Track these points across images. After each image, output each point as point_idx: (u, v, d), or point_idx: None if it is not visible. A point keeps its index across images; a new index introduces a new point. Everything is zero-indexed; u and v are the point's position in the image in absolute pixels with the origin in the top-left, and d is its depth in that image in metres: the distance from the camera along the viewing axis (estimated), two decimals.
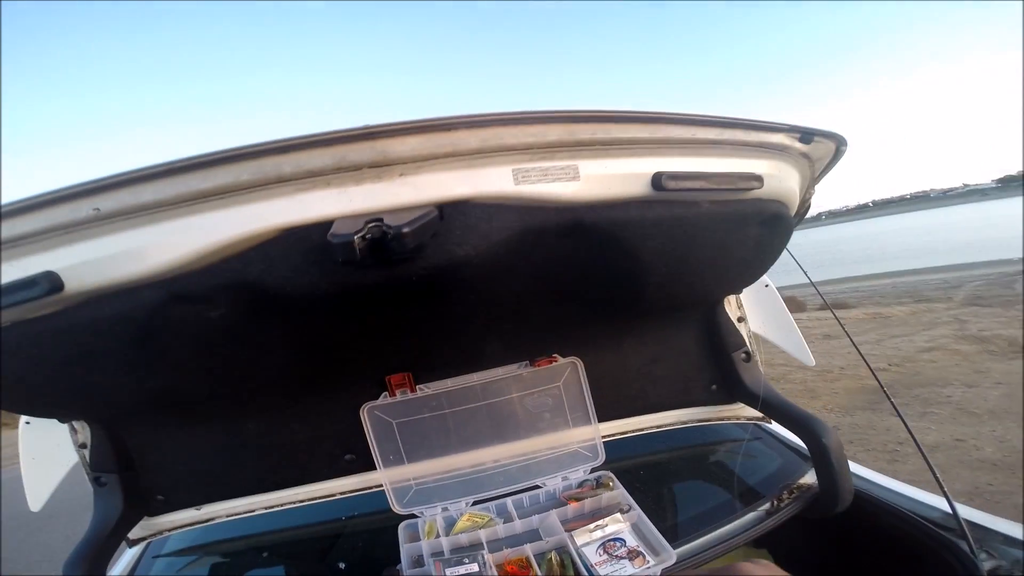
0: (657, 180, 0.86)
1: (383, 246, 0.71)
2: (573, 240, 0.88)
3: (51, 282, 0.75)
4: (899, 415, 1.14)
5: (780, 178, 0.98)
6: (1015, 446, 4.19)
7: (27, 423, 1.33)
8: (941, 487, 1.04)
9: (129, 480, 1.24)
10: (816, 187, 1.09)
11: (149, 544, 1.45)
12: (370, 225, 0.71)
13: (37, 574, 4.70)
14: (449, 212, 0.79)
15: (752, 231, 1.02)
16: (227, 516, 1.34)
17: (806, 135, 0.94)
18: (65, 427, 1.25)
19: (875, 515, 1.22)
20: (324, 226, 0.74)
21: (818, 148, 0.98)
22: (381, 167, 0.75)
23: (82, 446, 1.25)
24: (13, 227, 0.73)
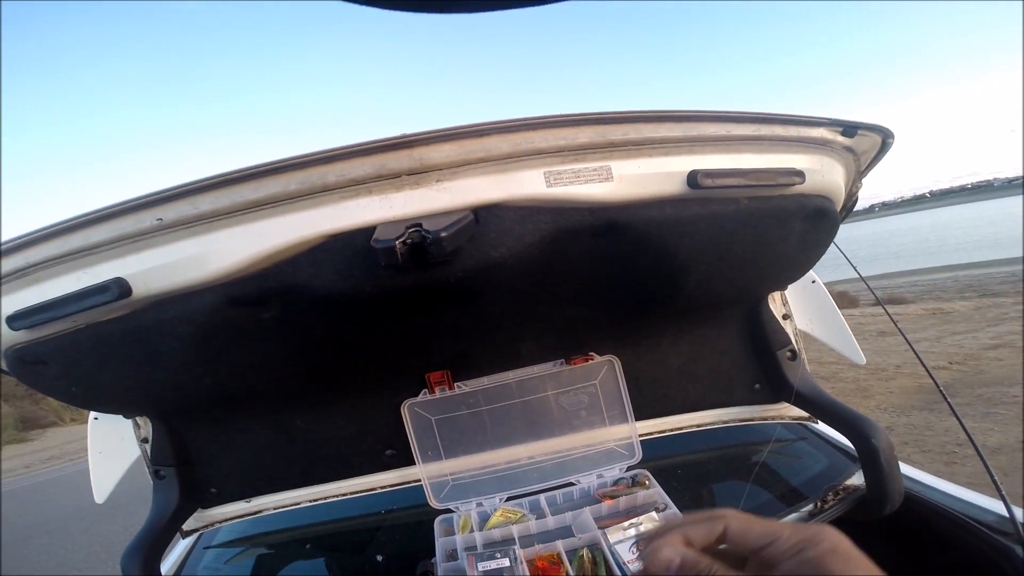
0: (693, 178, 0.86)
1: (423, 250, 0.73)
2: (608, 240, 0.88)
3: (121, 287, 0.81)
4: (953, 411, 1.09)
5: (823, 172, 0.96)
6: None
7: (95, 419, 1.42)
8: (997, 488, 0.99)
9: (186, 473, 1.31)
10: (863, 180, 1.05)
11: (200, 536, 1.53)
12: (410, 230, 0.74)
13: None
14: (484, 216, 0.81)
15: (795, 227, 1.00)
16: (274, 508, 1.40)
17: (849, 129, 0.92)
18: (129, 423, 1.33)
19: (925, 518, 1.17)
20: (367, 231, 0.77)
21: (862, 142, 0.96)
22: (419, 174, 0.78)
23: (144, 441, 1.32)
24: (87, 237, 0.79)
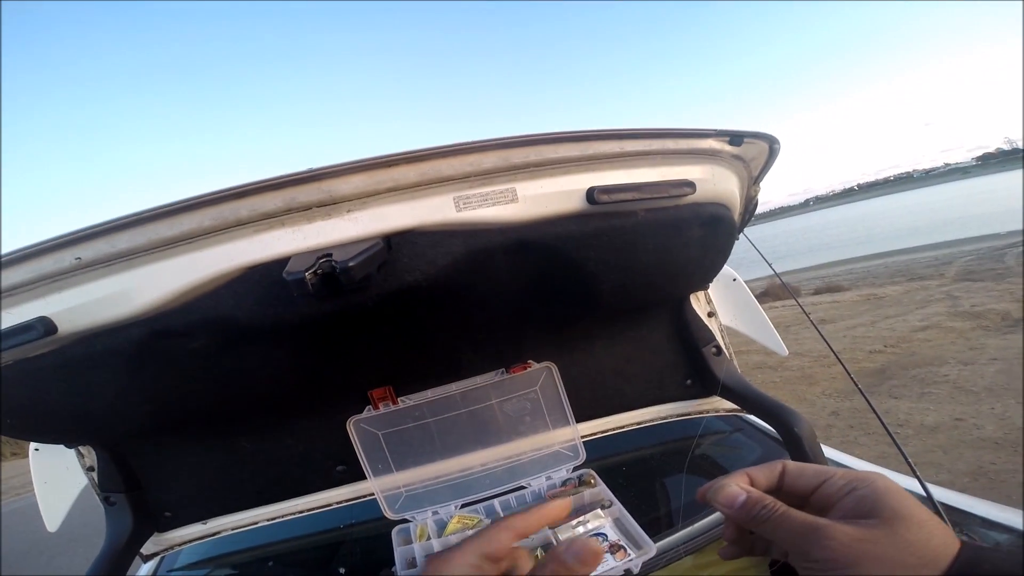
0: (591, 195, 0.91)
1: (333, 279, 0.75)
2: (519, 257, 0.93)
3: (45, 326, 0.81)
4: (864, 397, 1.16)
5: (715, 181, 1.02)
6: (1016, 423, 4.21)
7: (36, 450, 1.41)
8: (912, 468, 1.05)
9: (137, 499, 1.30)
10: (760, 185, 1.12)
11: (163, 558, 1.52)
12: (320, 261, 0.76)
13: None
14: (396, 242, 0.84)
15: (694, 234, 1.06)
16: (232, 529, 1.40)
17: (735, 138, 0.98)
18: (72, 452, 1.31)
19: None
20: (283, 262, 0.80)
21: (750, 149, 1.02)
22: (329, 205, 0.81)
23: (90, 469, 1.30)
24: (7, 278, 0.80)
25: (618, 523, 1.17)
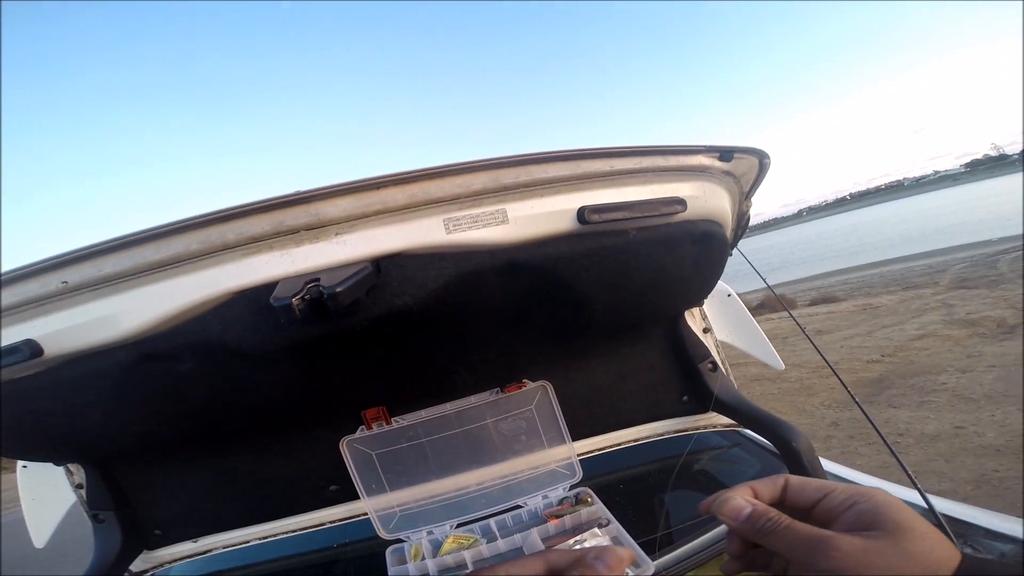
0: (581, 214, 0.90)
1: (321, 305, 0.75)
2: (511, 278, 0.92)
3: (32, 348, 0.81)
4: (861, 409, 1.15)
5: (706, 198, 1.02)
6: (1016, 430, 4.19)
7: (24, 467, 1.39)
8: (912, 480, 1.03)
9: (126, 516, 1.28)
10: (752, 200, 1.12)
11: None
12: (308, 286, 0.76)
13: None
14: (386, 266, 0.84)
15: (686, 251, 1.06)
16: (223, 547, 1.39)
17: (725, 154, 0.98)
18: (61, 469, 1.30)
19: None
20: (271, 286, 0.79)
21: (740, 164, 1.02)
22: (317, 228, 0.80)
23: (79, 486, 1.29)
24: None
25: (616, 541, 1.16)
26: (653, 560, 1.08)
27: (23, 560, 6.17)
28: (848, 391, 1.18)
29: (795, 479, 0.55)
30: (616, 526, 1.18)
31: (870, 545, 0.45)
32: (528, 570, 0.50)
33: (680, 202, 0.97)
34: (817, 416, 5.60)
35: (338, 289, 0.73)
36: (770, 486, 0.55)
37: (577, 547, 1.13)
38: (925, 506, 1.01)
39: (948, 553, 0.45)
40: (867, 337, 8.21)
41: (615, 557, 0.47)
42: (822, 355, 1.17)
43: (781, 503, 0.55)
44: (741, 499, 0.54)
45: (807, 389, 6.51)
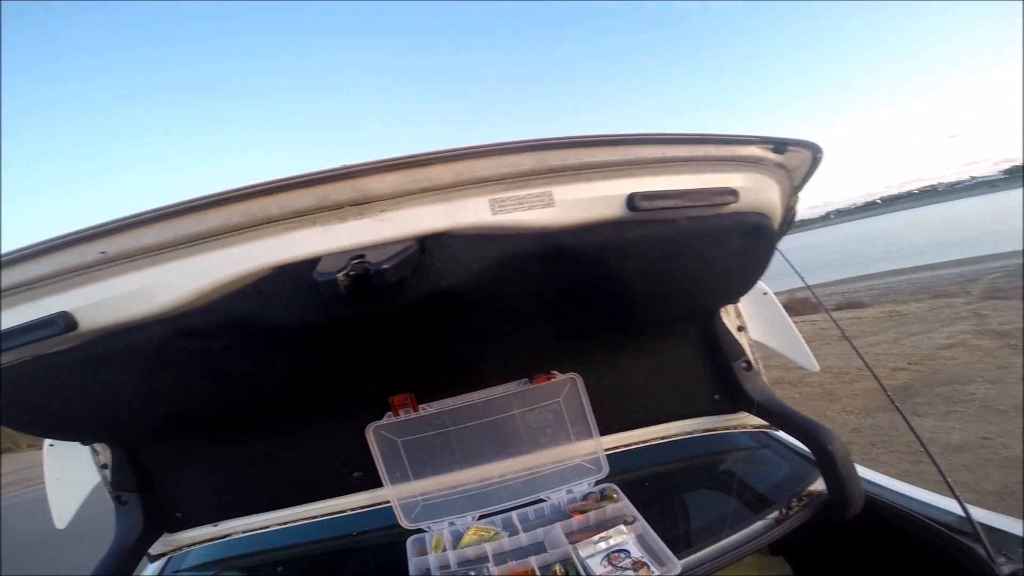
0: (631, 201, 0.88)
1: (366, 281, 0.74)
2: (554, 264, 0.91)
3: (67, 321, 0.81)
4: (902, 415, 1.13)
5: (757, 190, 0.99)
6: None
7: (51, 445, 1.39)
8: (952, 489, 1.02)
9: (148, 498, 1.29)
10: (800, 195, 1.09)
11: (170, 559, 1.50)
12: (353, 262, 0.74)
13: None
14: (430, 245, 0.82)
15: (734, 244, 1.03)
16: (243, 532, 1.39)
17: (779, 146, 0.96)
18: (87, 449, 1.30)
19: (889, 520, 1.20)
20: (313, 262, 0.78)
21: (793, 158, 0.99)
22: (362, 204, 0.79)
23: (103, 467, 1.30)
24: (28, 271, 0.79)
25: (641, 539, 1.14)
26: (680, 559, 1.06)
27: (20, 547, 6.30)
28: (889, 396, 1.16)
29: None
30: (642, 524, 1.16)
31: None
32: None
33: (732, 192, 0.95)
34: (838, 422, 5.50)
35: (385, 266, 0.72)
36: None
37: (602, 543, 1.12)
38: (963, 515, 1.01)
39: None
40: (893, 344, 8.04)
41: None
42: (863, 359, 1.15)
43: None
44: None
45: (829, 394, 6.41)
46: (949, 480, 1.04)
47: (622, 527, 1.16)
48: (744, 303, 1.40)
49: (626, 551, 1.10)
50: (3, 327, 0.82)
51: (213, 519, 1.37)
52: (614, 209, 0.89)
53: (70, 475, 1.38)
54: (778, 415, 1.29)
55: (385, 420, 1.29)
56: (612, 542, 1.13)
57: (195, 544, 1.39)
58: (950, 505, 1.14)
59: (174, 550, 1.40)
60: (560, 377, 1.33)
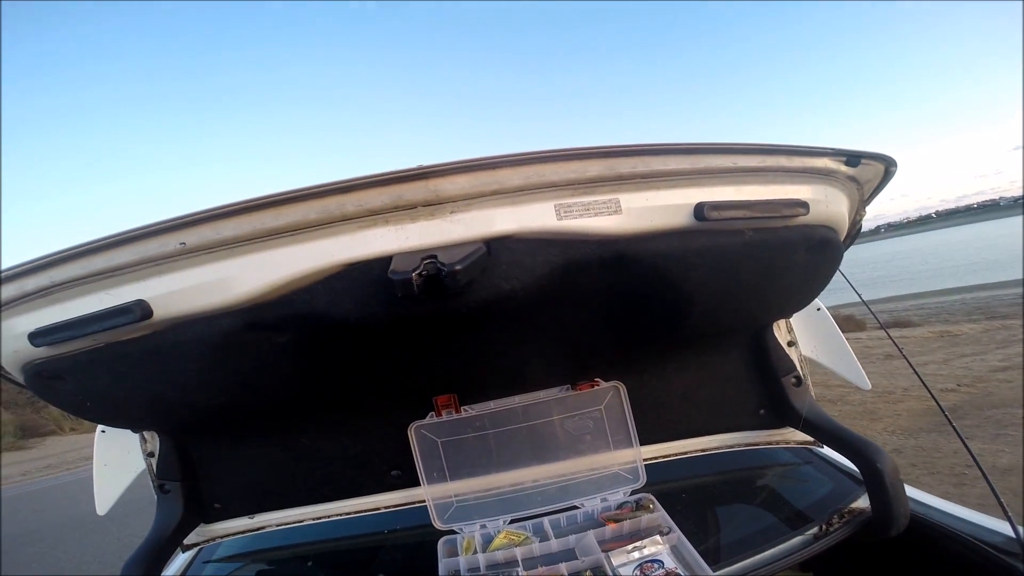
0: (699, 211, 0.87)
1: (438, 282, 0.75)
2: (616, 272, 0.90)
3: (142, 309, 0.83)
4: (955, 429, 1.09)
5: (827, 203, 0.97)
6: None
7: (103, 432, 1.43)
8: (1003, 508, 0.99)
9: (190, 488, 1.32)
10: (867, 209, 1.07)
11: (201, 550, 1.53)
12: (425, 262, 0.76)
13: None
14: (496, 247, 0.82)
15: (800, 257, 1.01)
16: (277, 525, 1.40)
17: (852, 158, 0.93)
18: (136, 437, 1.34)
19: (932, 539, 1.16)
20: (383, 261, 0.79)
21: (866, 171, 0.97)
22: (434, 205, 0.80)
23: (150, 455, 1.33)
24: (110, 259, 0.82)
25: (676, 551, 1.13)
26: (715, 571, 1.04)
27: (20, 538, 6.52)
28: (944, 412, 1.12)
29: None
30: (678, 535, 1.15)
31: None
32: None
33: (803, 204, 0.93)
34: (879, 442, 5.31)
35: (457, 267, 0.74)
36: None
37: (635, 553, 1.11)
38: (1011, 535, 0.99)
39: None
40: (943, 365, 7.75)
41: None
42: (916, 372, 1.11)
43: None
44: None
45: (870, 414, 6.23)
46: (1000, 497, 1.00)
47: (657, 538, 1.14)
48: (796, 318, 1.36)
49: (660, 561, 1.09)
50: (81, 314, 0.84)
51: (250, 511, 1.39)
52: (681, 218, 0.88)
53: (117, 462, 1.42)
54: (826, 431, 1.26)
55: (427, 420, 1.30)
56: (646, 552, 1.11)
57: (228, 535, 1.42)
58: (997, 525, 1.11)
59: (207, 540, 1.42)
60: (603, 385, 1.32)
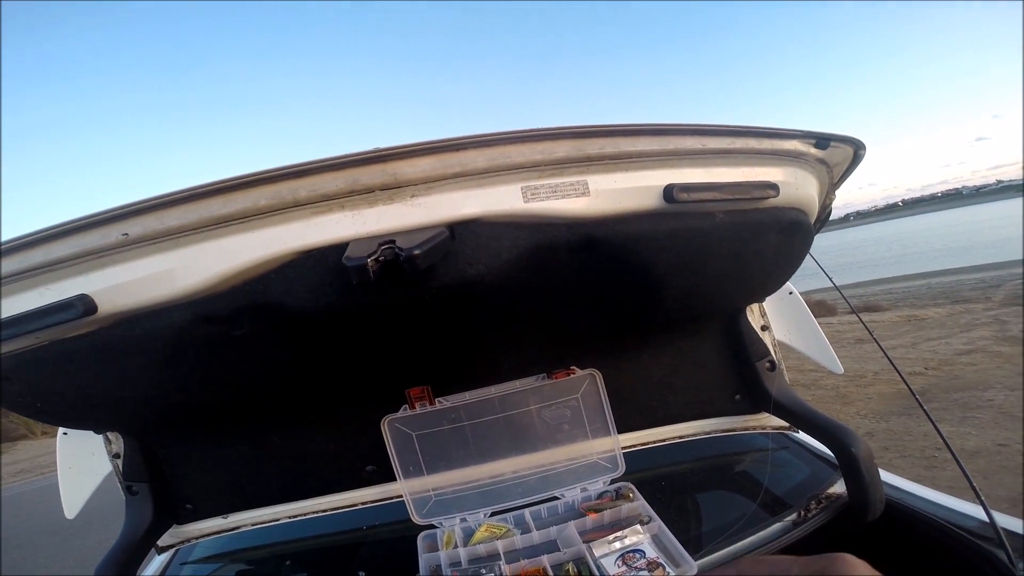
0: (669, 192, 0.86)
1: (396, 268, 0.72)
2: (586, 255, 0.88)
3: (86, 304, 0.79)
4: (928, 416, 1.10)
5: (797, 185, 0.97)
6: None
7: (64, 434, 1.39)
8: (977, 493, 0.99)
9: (159, 489, 1.28)
10: (836, 192, 1.07)
11: (177, 551, 1.50)
12: (383, 247, 0.73)
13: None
14: (460, 232, 0.80)
15: (771, 240, 1.01)
16: (252, 525, 1.38)
17: (822, 140, 0.93)
18: (100, 438, 1.30)
19: (908, 525, 1.17)
20: (340, 248, 0.76)
21: (835, 153, 0.97)
22: (392, 189, 0.77)
23: (116, 456, 1.29)
24: (48, 252, 0.77)
25: (657, 540, 1.12)
26: (696, 560, 1.04)
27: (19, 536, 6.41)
28: (917, 399, 1.13)
29: (748, 563, 0.48)
30: (658, 524, 1.14)
31: None
32: None
33: (773, 187, 0.92)
34: (852, 426, 5.44)
35: (416, 252, 0.71)
36: None
37: (616, 543, 1.11)
38: (984, 520, 0.99)
39: None
40: (910, 349, 7.96)
41: None
42: (890, 359, 1.13)
43: None
44: None
45: (843, 398, 6.38)
46: (974, 484, 1.01)
47: (638, 527, 1.14)
48: (769, 302, 1.37)
49: (641, 551, 1.09)
50: (21, 311, 0.80)
51: (223, 511, 1.36)
52: (650, 200, 0.87)
53: (82, 464, 1.38)
54: (800, 416, 1.26)
55: (401, 413, 1.27)
56: (627, 542, 1.11)
57: (203, 536, 1.39)
58: (971, 510, 1.12)
59: (182, 542, 1.39)
60: (579, 373, 1.31)
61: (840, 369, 1.42)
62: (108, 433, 1.28)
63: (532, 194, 0.82)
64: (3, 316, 0.81)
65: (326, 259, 0.78)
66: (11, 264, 0.78)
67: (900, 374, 1.13)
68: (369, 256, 0.71)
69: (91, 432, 1.29)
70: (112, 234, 0.76)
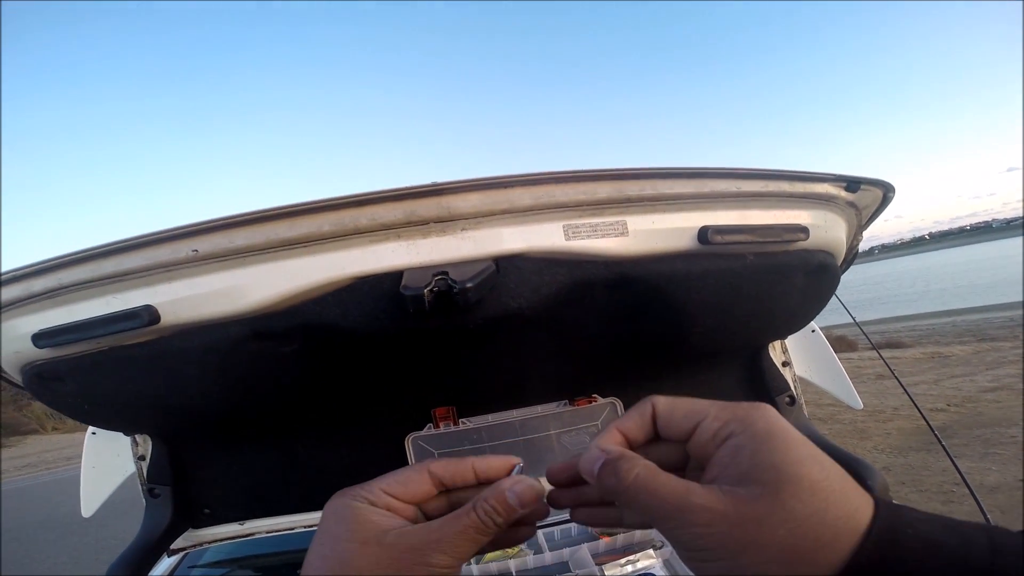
0: (703, 234, 0.88)
1: (448, 298, 0.76)
2: (620, 292, 0.91)
3: (150, 314, 0.82)
4: (943, 446, 1.11)
5: (826, 228, 0.99)
6: None
7: (93, 434, 1.43)
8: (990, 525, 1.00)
9: (180, 493, 1.30)
10: (863, 233, 1.09)
11: (187, 554, 1.50)
12: (436, 278, 0.76)
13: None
14: (504, 266, 0.83)
15: (798, 281, 1.02)
16: (268, 532, 1.39)
17: (852, 184, 0.95)
18: (126, 440, 1.33)
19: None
20: (394, 275, 0.80)
21: (865, 196, 0.99)
22: (446, 222, 0.81)
23: (141, 458, 1.32)
24: (120, 263, 0.81)
25: (668, 564, 1.14)
26: None
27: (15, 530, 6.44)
28: (931, 429, 1.14)
29: (663, 404, 0.44)
30: (671, 549, 1.16)
31: (745, 511, 0.35)
32: (412, 483, 0.49)
33: (803, 230, 0.94)
34: (869, 459, 5.36)
35: (468, 284, 0.75)
36: (637, 420, 0.45)
37: (629, 567, 1.12)
38: None
39: (853, 507, 0.36)
40: (933, 385, 7.82)
41: (531, 492, 0.45)
42: (906, 390, 1.14)
43: (656, 439, 0.45)
44: (597, 448, 0.43)
45: (861, 432, 6.29)
46: (988, 517, 1.03)
47: (650, 551, 1.16)
48: (791, 339, 1.38)
49: (652, 575, 1.11)
50: (87, 317, 0.84)
51: (240, 517, 1.38)
52: (685, 241, 0.89)
53: (106, 464, 1.41)
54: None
55: (425, 431, 1.30)
56: (639, 565, 1.13)
57: (216, 541, 1.40)
58: None
59: (194, 545, 1.40)
60: (601, 401, 1.33)
61: (860, 405, 1.42)
62: (136, 436, 1.31)
63: (573, 232, 0.85)
64: (70, 321, 0.85)
65: (381, 285, 0.81)
66: (84, 272, 0.82)
67: (915, 404, 1.14)
68: (425, 286, 0.75)
69: (119, 433, 1.32)
70: (183, 250, 0.80)
